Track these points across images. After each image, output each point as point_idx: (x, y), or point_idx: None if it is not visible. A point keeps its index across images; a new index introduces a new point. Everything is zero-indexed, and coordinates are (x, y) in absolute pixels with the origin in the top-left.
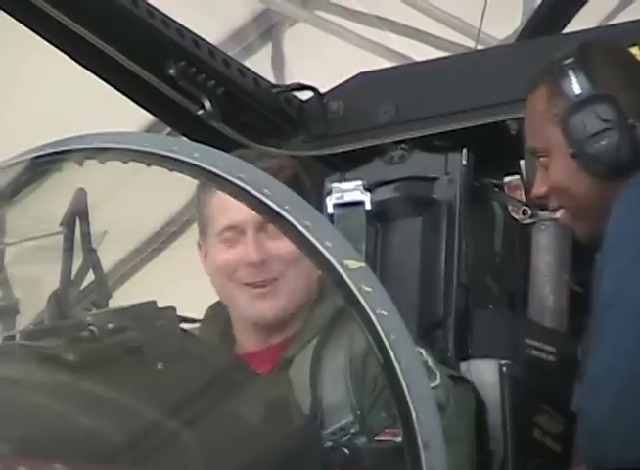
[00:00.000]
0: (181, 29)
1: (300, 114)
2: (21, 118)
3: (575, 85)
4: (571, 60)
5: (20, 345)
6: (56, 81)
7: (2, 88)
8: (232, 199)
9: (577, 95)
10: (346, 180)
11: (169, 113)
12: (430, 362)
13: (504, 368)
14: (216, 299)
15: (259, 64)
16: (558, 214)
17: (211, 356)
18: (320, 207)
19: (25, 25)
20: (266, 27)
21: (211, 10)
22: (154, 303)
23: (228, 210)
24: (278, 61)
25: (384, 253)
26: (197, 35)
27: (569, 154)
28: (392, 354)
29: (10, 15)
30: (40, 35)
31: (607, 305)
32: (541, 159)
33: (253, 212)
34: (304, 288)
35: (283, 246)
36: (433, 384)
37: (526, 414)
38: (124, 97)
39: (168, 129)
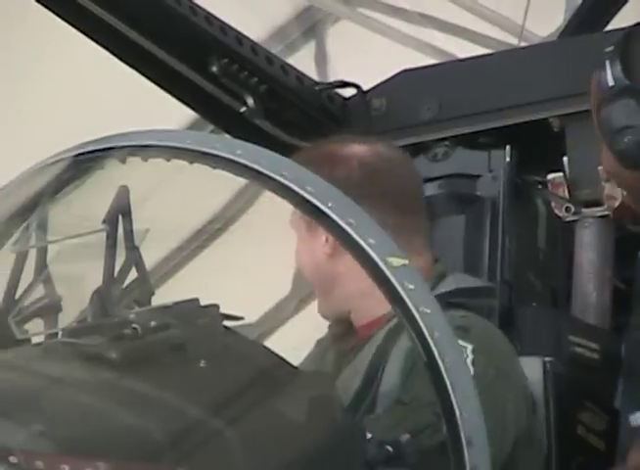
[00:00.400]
0: (224, 27)
1: (343, 111)
2: (64, 116)
3: (609, 77)
4: (610, 49)
5: (62, 342)
6: (99, 77)
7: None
8: None
9: (610, 87)
10: None
11: (212, 110)
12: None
13: (548, 365)
14: (259, 294)
15: (302, 61)
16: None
17: (254, 354)
18: None
19: (69, 23)
20: (309, 25)
21: (254, 7)
22: (196, 300)
23: None
24: (321, 58)
25: None
26: (239, 32)
27: (606, 145)
28: (436, 352)
29: (53, 12)
30: (83, 33)
31: None
32: None
33: None
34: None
35: (297, 247)
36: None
37: (570, 411)
38: (167, 94)
39: (211, 127)
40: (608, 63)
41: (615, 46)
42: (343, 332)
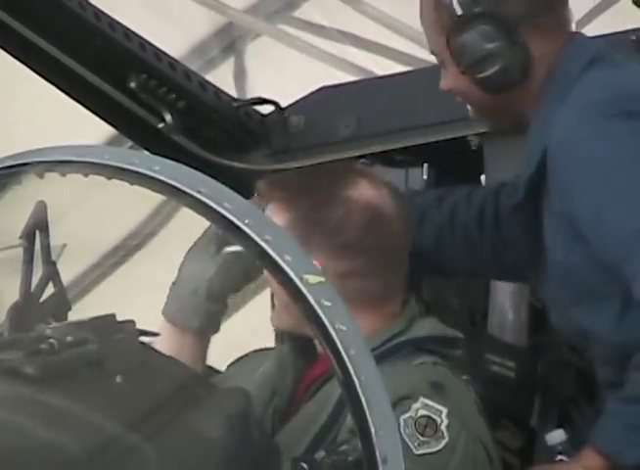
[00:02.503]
0: (142, 43)
1: (261, 128)
2: None
3: (456, 5)
4: None
5: None
6: (13, 91)
7: None
8: None
9: (459, 16)
10: None
11: (130, 126)
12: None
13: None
14: None
15: (222, 77)
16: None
17: (170, 370)
18: None
19: None
20: (228, 41)
21: (173, 23)
22: (113, 316)
23: None
24: (240, 74)
25: None
26: (158, 49)
27: (459, 70)
28: (352, 369)
29: None
30: (5, 49)
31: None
32: (437, 60)
33: None
34: None
35: None
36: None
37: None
38: (85, 109)
39: (130, 143)
40: None
41: None
42: (304, 348)
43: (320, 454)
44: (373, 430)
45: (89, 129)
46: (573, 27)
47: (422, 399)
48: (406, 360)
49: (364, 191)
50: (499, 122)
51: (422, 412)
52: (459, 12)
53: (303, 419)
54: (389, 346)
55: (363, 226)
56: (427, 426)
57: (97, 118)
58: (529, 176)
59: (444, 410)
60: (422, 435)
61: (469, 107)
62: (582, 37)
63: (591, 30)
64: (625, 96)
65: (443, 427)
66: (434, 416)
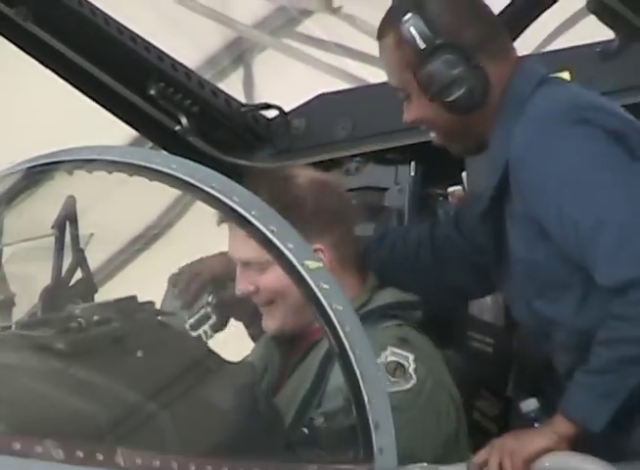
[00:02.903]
0: (161, 54)
1: (267, 130)
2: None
3: (419, 40)
4: (409, 15)
5: (15, 334)
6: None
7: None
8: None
9: (422, 49)
10: None
11: (150, 128)
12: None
13: (447, 356)
14: None
15: (232, 86)
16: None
17: (185, 346)
18: None
19: (25, 52)
20: (238, 53)
21: (188, 38)
22: (135, 297)
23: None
24: (248, 83)
25: None
26: (175, 59)
27: (426, 98)
28: (347, 345)
29: (3, 36)
30: (38, 61)
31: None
32: (402, 95)
33: (239, 251)
34: (296, 308)
35: (272, 278)
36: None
37: (467, 398)
38: (111, 114)
39: (151, 144)
40: (412, 28)
41: (412, 10)
42: (289, 339)
43: (319, 420)
44: (366, 399)
45: (115, 132)
46: (542, 42)
47: (390, 348)
48: (373, 326)
49: (307, 173)
50: (463, 145)
51: (391, 358)
52: (422, 46)
53: (290, 389)
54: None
55: (317, 196)
56: (396, 369)
57: (121, 122)
58: (493, 187)
59: (411, 356)
60: (392, 376)
61: (432, 134)
62: (530, 60)
63: (561, 43)
64: (578, 106)
65: (411, 370)
66: (402, 361)
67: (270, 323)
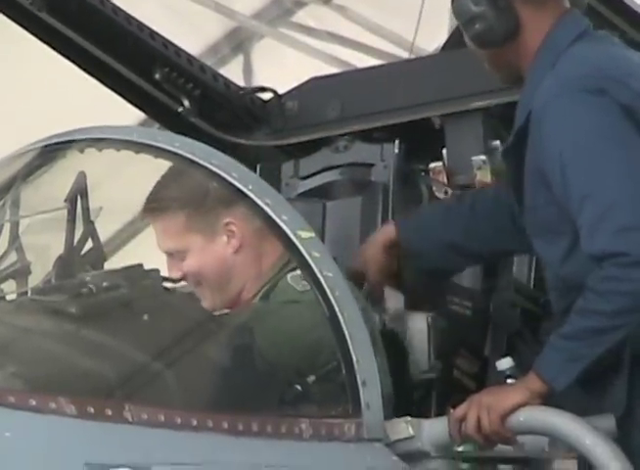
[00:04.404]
0: (165, 42)
1: (263, 111)
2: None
3: None
4: None
5: (31, 299)
6: (68, 85)
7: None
8: None
9: None
10: None
11: (156, 110)
12: None
13: (430, 319)
14: None
15: (232, 72)
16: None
17: (188, 310)
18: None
19: (38, 38)
20: (237, 42)
21: (191, 27)
22: (141, 265)
23: None
24: (247, 69)
25: (331, 225)
26: (178, 46)
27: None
28: (337, 308)
29: (20, 26)
30: (55, 50)
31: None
32: None
33: (161, 243)
34: (223, 279)
35: (192, 263)
36: None
37: (448, 357)
38: (120, 97)
39: (157, 125)
40: None
41: None
42: None
43: (310, 378)
44: (355, 358)
45: (124, 114)
46: None
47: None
48: None
49: None
50: (502, 76)
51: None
52: None
53: None
54: None
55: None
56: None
57: (129, 105)
58: (518, 127)
59: None
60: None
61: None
62: (574, 12)
63: None
64: (600, 74)
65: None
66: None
67: (205, 303)
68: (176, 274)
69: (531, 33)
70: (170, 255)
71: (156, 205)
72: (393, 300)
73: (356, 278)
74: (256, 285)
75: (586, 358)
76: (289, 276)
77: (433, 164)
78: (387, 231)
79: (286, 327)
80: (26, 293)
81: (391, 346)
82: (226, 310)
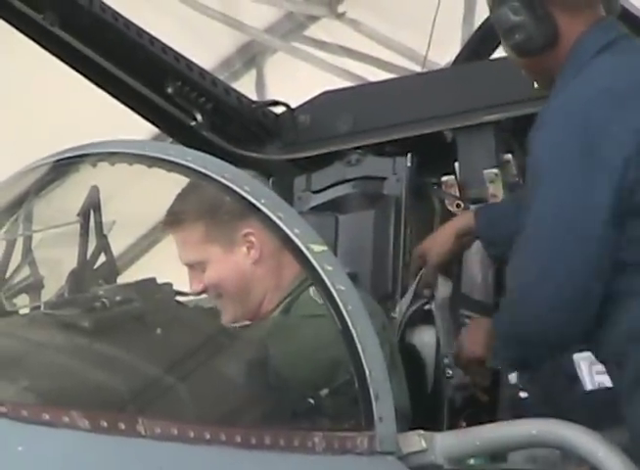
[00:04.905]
0: (177, 56)
1: (275, 125)
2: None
3: None
4: None
5: (44, 313)
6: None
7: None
8: None
9: None
10: None
11: (168, 124)
12: None
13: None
14: None
15: (245, 86)
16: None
17: (201, 324)
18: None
19: (51, 53)
20: (250, 56)
21: (203, 41)
22: (154, 279)
23: None
24: (260, 82)
25: (343, 239)
26: (190, 60)
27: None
28: (350, 322)
29: (33, 41)
30: (68, 65)
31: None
32: None
33: (182, 255)
34: (243, 291)
35: (212, 274)
36: None
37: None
38: (132, 112)
39: (170, 139)
40: None
41: None
42: None
43: (323, 392)
44: (367, 372)
45: (137, 128)
46: None
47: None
48: None
49: None
50: (540, 83)
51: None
52: None
53: None
54: None
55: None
56: None
57: (142, 119)
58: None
59: None
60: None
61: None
62: (608, 21)
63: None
64: (599, 101)
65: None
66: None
67: (225, 317)
68: (198, 286)
69: (569, 41)
70: (191, 267)
71: (175, 217)
72: (443, 288)
73: (419, 259)
74: (277, 296)
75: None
76: (311, 289)
77: (445, 178)
78: (464, 218)
79: (299, 341)
80: (39, 307)
81: (409, 360)
82: (247, 322)
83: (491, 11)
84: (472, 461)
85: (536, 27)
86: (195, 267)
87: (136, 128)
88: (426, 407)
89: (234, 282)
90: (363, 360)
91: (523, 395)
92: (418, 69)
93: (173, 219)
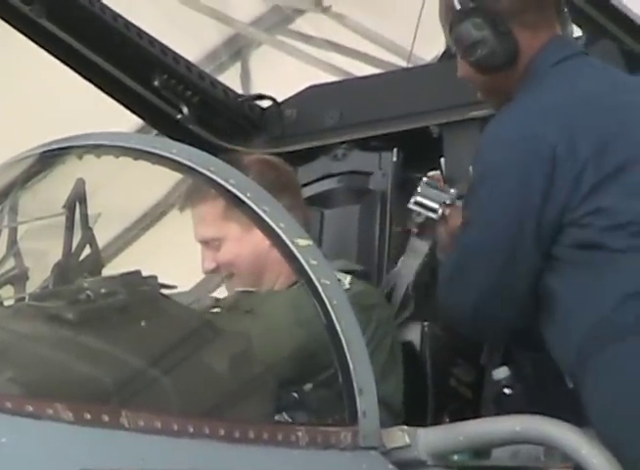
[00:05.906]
0: (164, 49)
1: (261, 119)
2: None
3: (456, 2)
4: None
5: (29, 305)
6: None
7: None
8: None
9: (457, 10)
10: None
11: (154, 117)
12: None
13: (426, 328)
14: (191, 268)
15: (231, 79)
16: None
17: (185, 316)
18: None
19: (37, 44)
20: (235, 49)
21: (189, 34)
22: (139, 272)
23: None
24: (245, 76)
25: (329, 233)
26: (177, 53)
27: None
28: (334, 316)
29: (20, 32)
30: (55, 56)
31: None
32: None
33: (198, 232)
34: (256, 272)
35: (227, 252)
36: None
37: (444, 366)
38: (118, 104)
39: (155, 131)
40: None
41: None
42: None
43: (307, 386)
44: (351, 366)
45: (123, 120)
46: None
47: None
48: None
49: (253, 155)
50: (495, 102)
51: None
52: (458, 7)
53: None
54: None
55: (259, 170)
56: None
57: (128, 111)
58: None
59: (348, 277)
60: None
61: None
62: (560, 38)
63: None
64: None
65: (346, 282)
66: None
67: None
68: (210, 265)
69: (526, 59)
70: (206, 244)
71: (197, 193)
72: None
73: None
74: (287, 283)
75: None
76: None
77: (431, 173)
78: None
79: (284, 334)
80: (24, 298)
81: (407, 357)
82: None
83: (450, 28)
84: (455, 457)
85: (499, 43)
86: (209, 245)
87: (122, 121)
88: (409, 403)
89: (249, 262)
90: (347, 355)
91: (507, 391)
92: (404, 64)
93: (194, 195)
